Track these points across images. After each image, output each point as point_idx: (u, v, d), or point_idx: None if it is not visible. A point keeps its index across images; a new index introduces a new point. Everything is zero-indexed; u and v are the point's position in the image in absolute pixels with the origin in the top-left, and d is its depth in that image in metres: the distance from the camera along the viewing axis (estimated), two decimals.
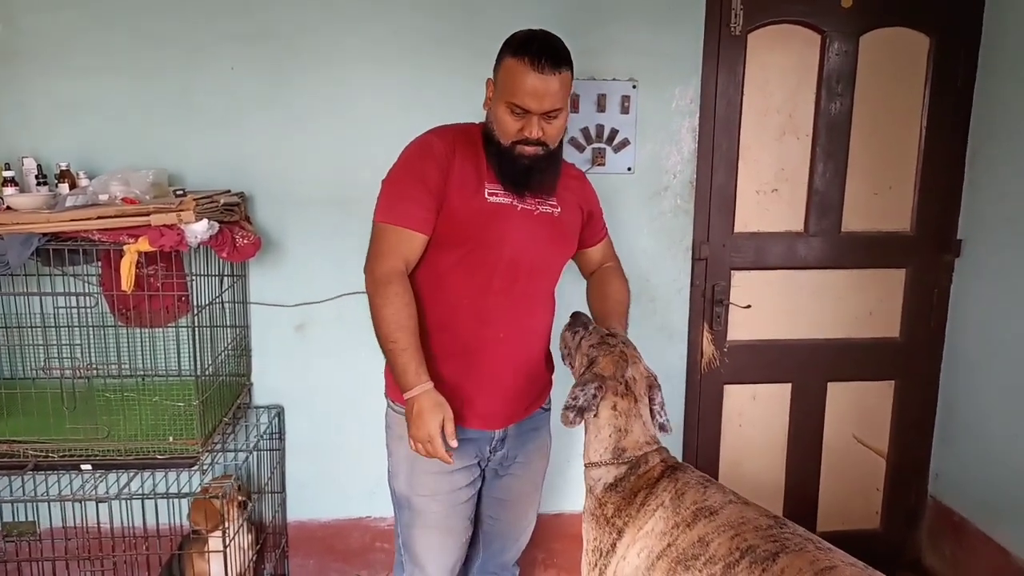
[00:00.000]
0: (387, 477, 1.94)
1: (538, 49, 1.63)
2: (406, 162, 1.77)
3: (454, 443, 1.64)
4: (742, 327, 2.75)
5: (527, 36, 1.67)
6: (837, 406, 2.87)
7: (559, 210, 1.83)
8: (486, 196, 1.74)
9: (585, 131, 2.50)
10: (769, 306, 2.75)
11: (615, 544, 1.65)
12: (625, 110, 2.50)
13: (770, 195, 2.68)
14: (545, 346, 1.95)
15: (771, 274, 2.73)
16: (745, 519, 1.55)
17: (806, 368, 2.81)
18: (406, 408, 1.67)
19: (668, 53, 2.50)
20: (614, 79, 2.49)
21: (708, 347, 2.74)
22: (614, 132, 2.51)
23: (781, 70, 2.60)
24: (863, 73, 2.61)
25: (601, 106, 2.49)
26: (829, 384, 2.85)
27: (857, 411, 2.89)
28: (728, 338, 2.75)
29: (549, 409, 2.05)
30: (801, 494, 2.91)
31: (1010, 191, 2.51)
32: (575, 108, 2.48)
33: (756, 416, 2.85)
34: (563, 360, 1.91)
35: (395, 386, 1.79)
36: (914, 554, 2.96)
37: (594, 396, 1.69)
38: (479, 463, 1.90)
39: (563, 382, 2.04)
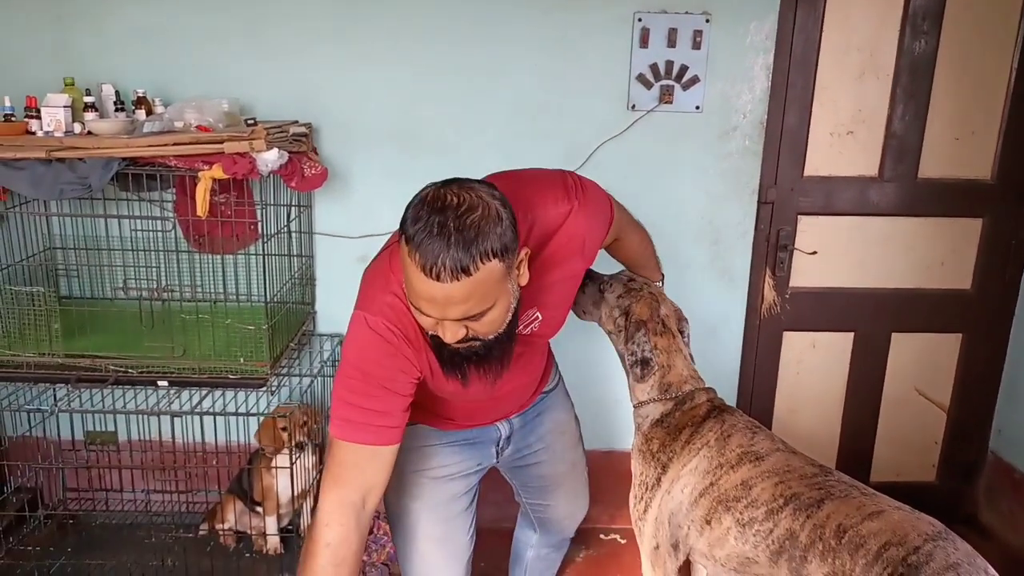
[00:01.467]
0: None
1: (431, 247, 1.14)
2: (369, 364, 1.37)
3: None
4: (806, 273, 2.70)
5: (419, 209, 1.18)
6: (900, 357, 2.81)
7: (539, 319, 1.51)
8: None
9: (654, 67, 2.44)
10: (836, 253, 2.69)
11: (660, 478, 1.68)
12: (696, 46, 2.42)
13: (844, 138, 2.58)
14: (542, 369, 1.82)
15: (840, 220, 2.65)
16: (791, 467, 1.55)
17: (871, 318, 2.76)
18: None
19: None
20: (687, 12, 2.41)
21: (769, 293, 2.71)
22: (684, 69, 2.44)
23: (864, 5, 2.47)
24: (951, 9, 2.47)
25: (671, 41, 2.41)
26: (893, 335, 2.78)
27: (921, 363, 2.83)
28: (791, 284, 2.71)
29: (552, 390, 1.89)
30: (856, 444, 2.89)
31: None
32: (644, 43, 2.41)
33: (815, 364, 2.82)
34: (580, 317, 1.87)
35: None
36: (970, 509, 2.93)
37: (648, 342, 1.71)
38: (480, 469, 1.78)
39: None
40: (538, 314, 1.49)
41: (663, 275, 1.93)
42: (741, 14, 2.42)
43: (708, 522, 1.60)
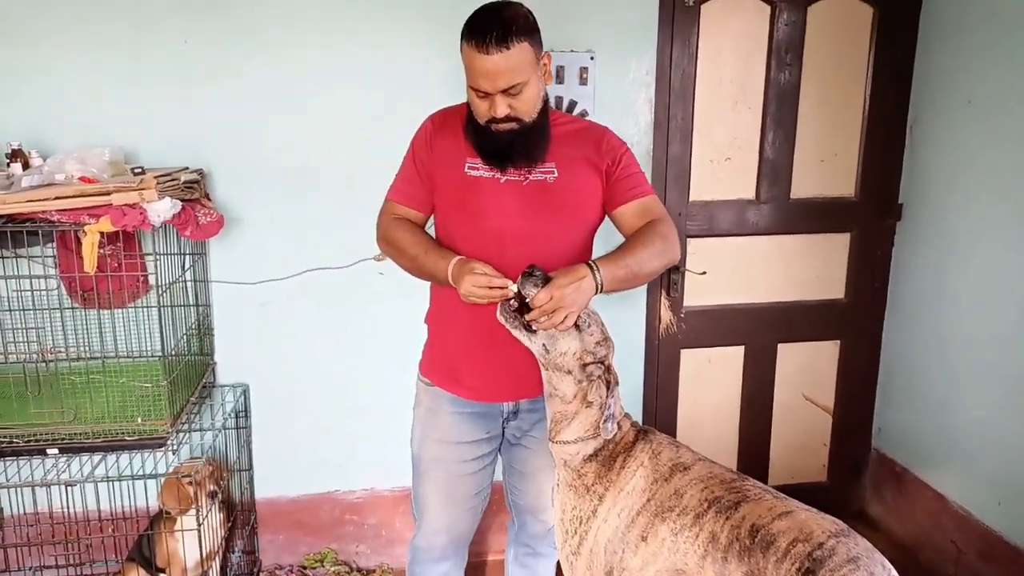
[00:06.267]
0: None
1: (481, 28, 1.61)
2: (409, 147, 1.89)
3: (499, 281, 1.66)
4: (698, 293, 2.84)
5: (473, 15, 1.65)
6: (787, 366, 2.99)
7: (555, 175, 1.79)
8: (466, 170, 1.78)
9: None
10: (723, 272, 2.84)
11: (596, 509, 1.70)
12: (583, 81, 2.52)
13: (723, 164, 2.75)
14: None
15: (725, 241, 2.81)
16: (713, 474, 1.65)
17: (758, 331, 2.92)
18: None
19: (624, 24, 2.53)
20: (572, 51, 2.51)
21: (666, 313, 2.83)
22: (573, 104, 2.54)
23: (733, 41, 2.65)
24: (811, 43, 2.69)
25: (560, 78, 2.51)
26: (779, 345, 2.96)
27: (805, 370, 3.02)
28: (684, 304, 2.84)
29: None
30: (754, 451, 3.04)
31: (948, 157, 2.63)
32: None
33: (711, 378, 2.95)
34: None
35: (424, 361, 1.98)
36: (859, 504, 3.13)
37: (617, 397, 1.72)
38: (490, 437, 1.95)
39: None
40: (554, 169, 1.80)
41: (598, 276, 1.67)
42: (622, 51, 2.54)
43: (644, 539, 1.64)
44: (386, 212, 1.89)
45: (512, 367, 1.84)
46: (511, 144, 1.71)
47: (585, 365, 1.70)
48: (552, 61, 1.80)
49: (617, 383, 1.71)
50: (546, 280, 1.62)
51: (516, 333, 1.71)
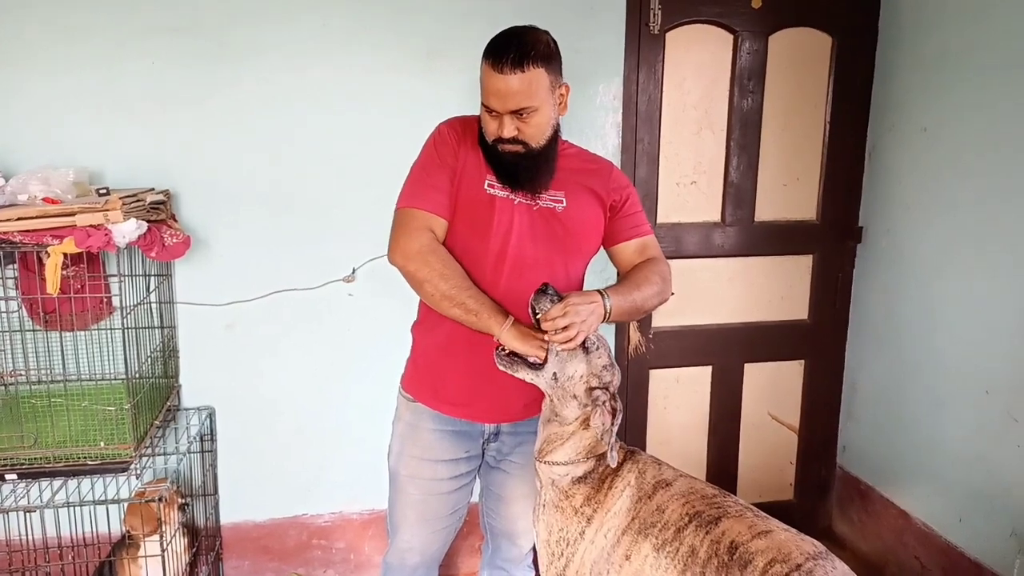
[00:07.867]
0: None
1: (500, 49, 1.63)
2: (427, 152, 1.80)
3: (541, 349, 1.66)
4: (665, 314, 2.87)
5: (496, 36, 1.67)
6: (753, 386, 3.03)
7: (564, 204, 1.80)
8: (485, 186, 1.76)
9: None
10: (690, 293, 2.88)
11: (583, 531, 1.69)
12: None
13: (689, 187, 2.80)
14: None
15: (691, 262, 2.85)
16: (694, 489, 1.65)
17: (725, 351, 2.97)
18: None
19: (592, 51, 2.58)
20: None
21: (635, 334, 2.86)
22: None
23: (697, 68, 2.72)
24: (772, 71, 2.77)
25: None
26: (746, 365, 3.01)
27: (771, 390, 3.07)
28: (653, 325, 2.87)
29: None
30: (722, 469, 3.07)
31: (906, 181, 2.71)
32: None
33: (680, 398, 2.98)
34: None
35: (407, 376, 1.96)
36: (825, 522, 3.17)
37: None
38: (469, 457, 1.93)
39: None
40: (563, 198, 1.81)
41: (607, 303, 1.69)
42: (591, 77, 2.59)
43: (628, 557, 1.64)
44: (419, 227, 1.72)
45: (497, 387, 1.81)
46: (516, 167, 1.72)
47: (591, 389, 1.69)
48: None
49: (622, 412, 1.69)
50: (560, 298, 1.65)
51: (520, 373, 1.71)
